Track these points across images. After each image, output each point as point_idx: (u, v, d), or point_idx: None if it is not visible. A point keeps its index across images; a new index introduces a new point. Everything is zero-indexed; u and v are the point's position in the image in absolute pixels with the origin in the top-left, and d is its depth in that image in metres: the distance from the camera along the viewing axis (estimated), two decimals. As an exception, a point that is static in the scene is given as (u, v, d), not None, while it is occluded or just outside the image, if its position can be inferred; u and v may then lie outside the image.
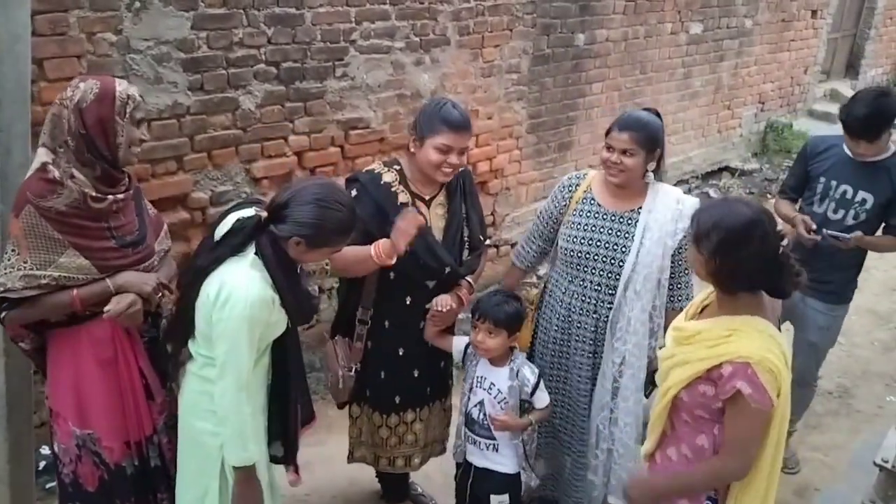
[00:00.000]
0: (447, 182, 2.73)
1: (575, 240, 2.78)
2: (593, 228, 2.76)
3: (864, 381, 4.49)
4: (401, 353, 2.79)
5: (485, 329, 2.58)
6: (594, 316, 2.79)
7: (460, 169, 2.71)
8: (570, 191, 2.87)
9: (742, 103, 7.40)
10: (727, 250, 1.91)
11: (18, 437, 2.75)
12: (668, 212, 2.70)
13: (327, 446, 3.60)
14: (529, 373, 2.64)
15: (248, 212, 2.20)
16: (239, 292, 2.05)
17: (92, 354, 2.30)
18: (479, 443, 2.71)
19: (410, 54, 4.26)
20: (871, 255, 3.45)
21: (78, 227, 2.20)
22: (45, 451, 3.27)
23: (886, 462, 2.53)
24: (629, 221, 2.73)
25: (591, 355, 2.82)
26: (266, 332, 2.16)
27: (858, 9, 9.13)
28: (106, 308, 2.22)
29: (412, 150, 2.67)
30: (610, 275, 2.73)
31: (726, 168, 7.47)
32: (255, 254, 2.11)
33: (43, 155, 2.19)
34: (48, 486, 3.18)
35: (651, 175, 2.75)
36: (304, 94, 3.84)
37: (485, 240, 2.93)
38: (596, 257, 2.75)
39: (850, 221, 3.27)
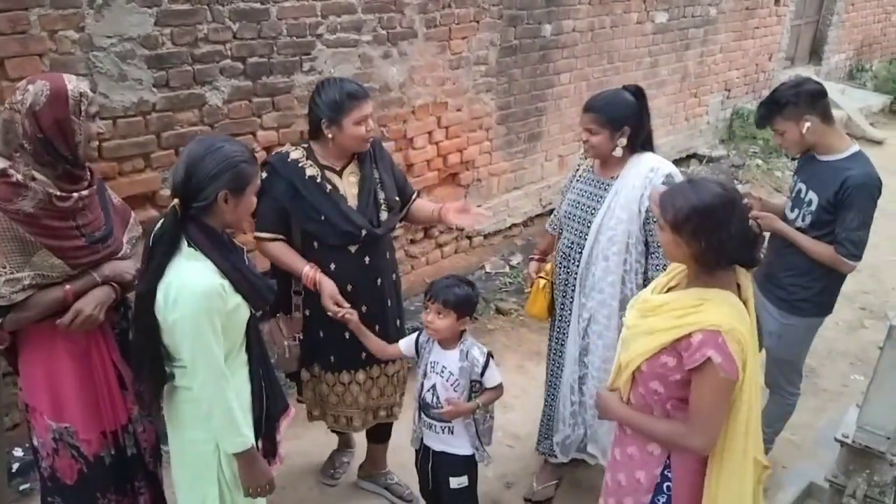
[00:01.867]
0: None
1: (567, 202, 3.08)
2: (580, 192, 3.04)
3: (830, 361, 4.60)
4: (331, 316, 2.82)
5: (434, 309, 2.63)
6: (566, 270, 3.07)
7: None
8: (579, 160, 3.14)
9: (708, 91, 7.50)
10: (711, 231, 1.94)
11: (-10, 439, 2.74)
12: (637, 178, 2.86)
13: (304, 440, 3.63)
14: (478, 353, 2.69)
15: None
16: (186, 288, 2.03)
17: (65, 349, 2.31)
18: (434, 426, 2.76)
19: (378, 47, 4.27)
20: None
21: (47, 228, 2.20)
22: (18, 453, 3.26)
23: (846, 437, 2.61)
24: (606, 187, 2.95)
25: (570, 311, 3.07)
26: (230, 320, 2.13)
27: (821, -4, 9.29)
28: (65, 320, 2.23)
29: (329, 135, 2.79)
30: (580, 234, 2.99)
31: (694, 155, 7.58)
32: (189, 246, 2.08)
33: None
34: (21, 488, 3.18)
35: (619, 150, 2.86)
36: (271, 88, 3.83)
37: (411, 192, 3.12)
38: (573, 217, 3.02)
39: (799, 223, 3.08)
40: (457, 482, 2.80)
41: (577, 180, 3.08)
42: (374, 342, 2.82)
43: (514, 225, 5.70)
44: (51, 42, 3.07)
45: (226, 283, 2.10)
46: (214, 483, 2.24)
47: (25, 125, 2.14)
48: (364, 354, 2.95)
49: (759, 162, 7.51)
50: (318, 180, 2.81)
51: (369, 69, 4.24)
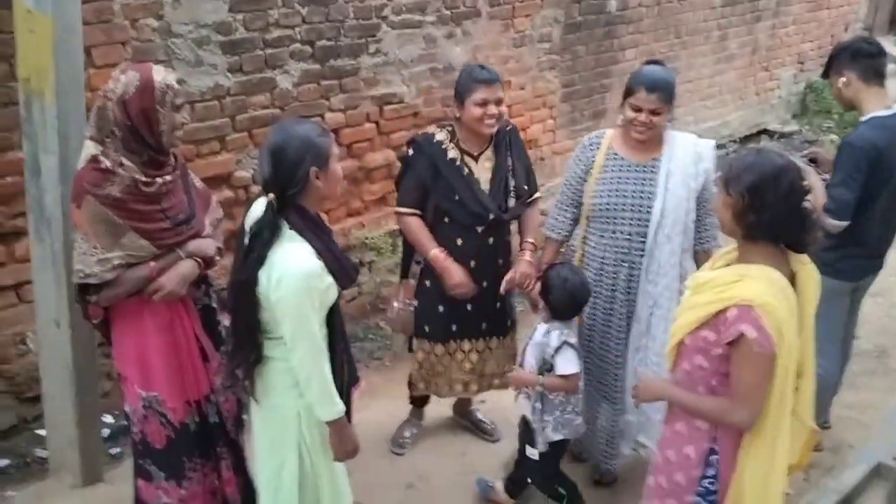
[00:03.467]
0: (494, 138, 3.10)
1: (605, 194, 2.95)
2: (619, 181, 2.94)
3: (903, 341, 4.49)
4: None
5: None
6: (627, 265, 2.96)
7: (503, 120, 3.07)
8: (592, 150, 3.03)
9: (780, 64, 7.29)
10: (756, 191, 1.98)
11: (85, 403, 2.95)
12: (687, 156, 2.87)
13: (371, 410, 3.76)
14: (556, 337, 2.77)
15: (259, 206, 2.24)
16: (289, 270, 2.13)
17: (152, 322, 2.49)
18: (524, 391, 2.92)
19: (442, 28, 4.32)
20: None
21: (135, 212, 2.37)
22: (108, 419, 3.47)
23: (917, 417, 2.58)
24: (653, 170, 2.91)
25: (625, 302, 3.00)
26: (323, 300, 2.24)
27: (902, -39, 8.87)
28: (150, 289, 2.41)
29: (458, 115, 3.04)
30: (640, 222, 2.91)
31: (765, 131, 7.39)
32: (291, 229, 2.17)
33: (91, 147, 2.35)
34: (112, 451, 3.39)
35: (668, 124, 2.92)
36: (338, 71, 3.94)
37: (534, 191, 3.24)
38: (625, 207, 2.92)
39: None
40: (530, 452, 2.93)
41: (606, 170, 2.96)
42: (551, 380, 2.84)
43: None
44: (132, 30, 3.24)
45: (322, 263, 2.20)
46: (294, 448, 2.36)
47: (115, 112, 2.31)
48: (484, 325, 3.22)
49: (834, 137, 7.26)
50: (458, 163, 3.06)
51: (433, 49, 4.31)
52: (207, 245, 2.56)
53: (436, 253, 3.06)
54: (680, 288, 2.87)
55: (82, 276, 2.35)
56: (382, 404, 3.80)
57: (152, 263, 2.42)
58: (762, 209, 1.99)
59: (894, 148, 3.03)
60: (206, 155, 3.59)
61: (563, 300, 2.83)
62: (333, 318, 2.35)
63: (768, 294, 1.98)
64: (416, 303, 3.24)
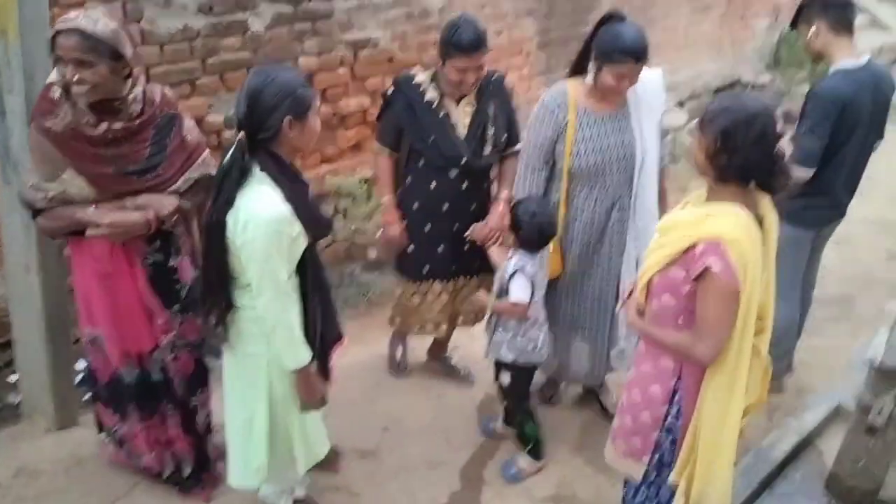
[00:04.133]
0: (479, 83, 3.08)
1: (589, 153, 2.93)
2: (599, 137, 2.94)
3: (866, 288, 4.60)
4: (426, 230, 3.22)
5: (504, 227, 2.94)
6: (616, 207, 3.03)
7: (488, 74, 3.08)
8: (561, 111, 2.93)
9: (756, 14, 7.29)
10: (728, 135, 2.01)
11: (58, 348, 2.95)
12: (648, 96, 2.96)
13: (346, 357, 3.78)
14: (512, 265, 2.87)
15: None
16: (256, 214, 2.10)
17: (91, 267, 2.48)
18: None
19: (417, -29, 4.25)
20: (879, 163, 3.34)
21: (74, 150, 2.33)
22: (82, 364, 3.47)
23: (875, 358, 2.66)
24: (625, 117, 2.97)
25: (617, 245, 3.08)
26: (291, 248, 2.21)
27: (879, -89, 8.84)
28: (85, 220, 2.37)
29: (440, 64, 3.02)
30: (626, 170, 2.99)
31: (738, 82, 7.41)
32: (261, 170, 2.15)
33: (53, 74, 2.29)
34: (84, 398, 3.39)
35: None
36: (312, 14, 3.86)
37: (514, 142, 3.21)
38: (611, 161, 2.96)
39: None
40: (500, 377, 3.06)
41: (583, 128, 2.92)
42: (501, 304, 2.93)
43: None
44: (98, -33, 3.13)
45: (290, 208, 2.16)
46: (265, 397, 2.36)
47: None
48: (454, 267, 3.29)
49: (807, 89, 7.33)
50: (434, 105, 3.07)
51: (408, -7, 4.24)
52: (164, 202, 2.44)
53: (387, 201, 3.19)
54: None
55: (20, 198, 2.38)
56: (358, 350, 3.82)
57: (92, 207, 2.35)
58: (734, 152, 2.02)
59: (860, 99, 3.06)
60: (177, 99, 3.52)
61: (531, 234, 2.84)
62: (306, 270, 2.33)
63: (735, 230, 2.02)
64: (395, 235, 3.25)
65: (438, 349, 3.73)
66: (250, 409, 2.39)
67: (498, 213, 3.15)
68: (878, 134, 3.30)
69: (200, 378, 2.79)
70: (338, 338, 2.57)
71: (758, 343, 2.20)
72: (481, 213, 3.21)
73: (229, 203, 2.12)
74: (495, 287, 2.97)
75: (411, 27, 4.31)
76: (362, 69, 4.18)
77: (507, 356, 2.98)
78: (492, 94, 3.13)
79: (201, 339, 2.69)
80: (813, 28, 3.15)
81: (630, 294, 2.40)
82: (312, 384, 2.36)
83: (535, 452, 3.15)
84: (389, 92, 3.14)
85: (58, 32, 2.19)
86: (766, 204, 2.16)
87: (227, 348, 2.40)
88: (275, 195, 2.14)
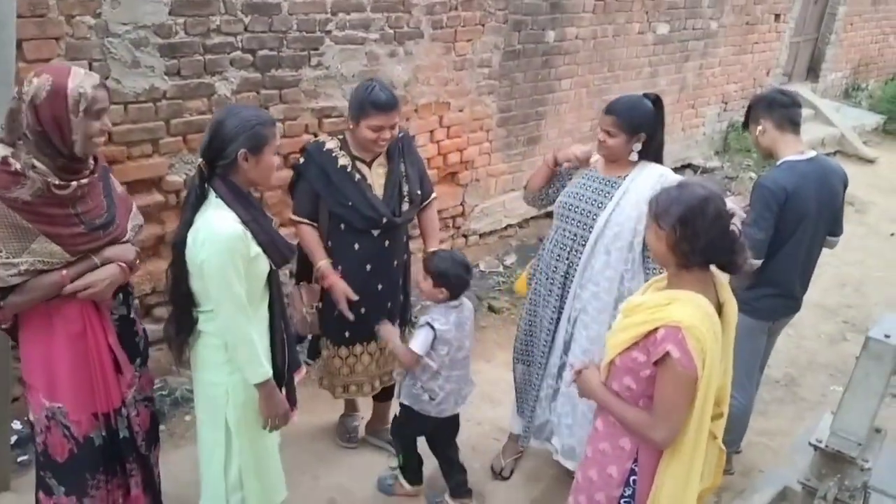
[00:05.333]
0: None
1: (567, 194, 3.16)
2: (584, 187, 3.13)
3: (810, 372, 4.71)
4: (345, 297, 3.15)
5: (423, 273, 3.05)
6: (566, 262, 3.13)
7: (398, 135, 3.15)
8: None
9: (706, 103, 7.61)
10: (686, 221, 2.08)
11: (-6, 408, 2.82)
12: (648, 181, 3.00)
13: (295, 425, 3.71)
14: (424, 318, 3.05)
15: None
16: (211, 232, 2.26)
17: (62, 330, 2.36)
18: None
19: (385, 46, 4.36)
20: (824, 250, 3.41)
21: (46, 216, 2.23)
22: (17, 425, 3.34)
23: (820, 442, 2.70)
24: (613, 185, 3.06)
25: (558, 297, 3.16)
26: (250, 269, 2.33)
27: (820, 14, 9.40)
28: (79, 285, 2.31)
29: (351, 128, 3.10)
30: (586, 226, 3.07)
31: (689, 165, 7.69)
32: (216, 197, 2.33)
33: (1, 149, 2.20)
34: (20, 459, 3.26)
35: (635, 154, 3.03)
36: (279, 81, 3.92)
37: (428, 195, 3.34)
38: (577, 210, 3.10)
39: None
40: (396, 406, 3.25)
41: (581, 176, 3.16)
42: (398, 347, 3.11)
43: (510, 226, 5.79)
44: (68, 26, 3.16)
45: (248, 232, 2.31)
46: (222, 428, 2.46)
47: (28, 116, 2.17)
48: (377, 327, 3.26)
49: (752, 174, 7.62)
50: (349, 170, 3.09)
51: (375, 66, 4.33)
52: (127, 250, 2.46)
53: (324, 265, 3.11)
54: (612, 305, 3.01)
55: None
56: (307, 419, 3.75)
57: (64, 271, 2.29)
58: (694, 238, 2.08)
59: (803, 191, 3.14)
60: (138, 157, 3.51)
61: (445, 282, 3.00)
62: (273, 298, 2.48)
63: (695, 317, 2.07)
64: (319, 305, 3.25)
65: (378, 422, 3.70)
66: (213, 437, 2.50)
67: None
68: (834, 229, 3.37)
69: (155, 433, 2.76)
70: (298, 365, 2.72)
71: (714, 429, 2.23)
72: (403, 269, 3.34)
73: (188, 224, 2.32)
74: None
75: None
76: (326, 137, 4.23)
77: (404, 400, 3.16)
78: (402, 152, 3.21)
79: (153, 394, 2.73)
80: (760, 126, 3.28)
81: (579, 373, 2.41)
82: (275, 399, 2.46)
83: (410, 480, 3.36)
84: (301, 162, 3.14)
85: (96, 86, 2.23)
86: (726, 291, 2.22)
87: (193, 374, 2.52)
88: (230, 216, 2.30)
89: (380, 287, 3.22)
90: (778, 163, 3.25)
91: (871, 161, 8.81)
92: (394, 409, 3.39)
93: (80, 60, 3.19)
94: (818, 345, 5.01)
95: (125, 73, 3.35)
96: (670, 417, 2.10)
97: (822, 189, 3.20)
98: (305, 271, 3.27)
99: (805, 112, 8.72)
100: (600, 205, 3.04)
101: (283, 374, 2.53)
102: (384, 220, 3.11)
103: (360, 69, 4.24)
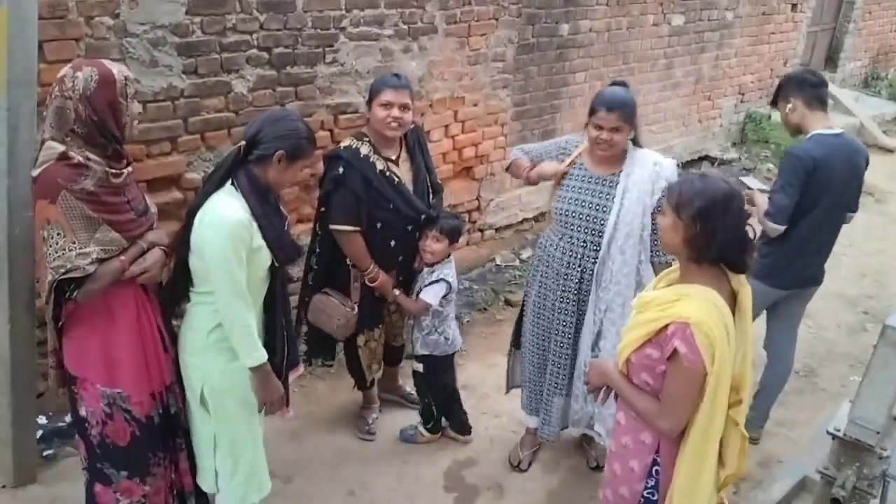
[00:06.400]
0: (403, 140, 3.32)
1: (565, 200, 3.14)
2: (580, 190, 3.12)
3: (830, 362, 4.69)
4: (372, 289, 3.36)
5: (432, 237, 3.30)
6: (579, 269, 3.14)
7: (408, 124, 3.25)
8: (570, 151, 3.23)
9: (722, 94, 7.57)
10: (708, 216, 2.07)
11: (21, 402, 2.89)
12: (645, 173, 3.03)
13: (315, 418, 3.76)
14: (436, 274, 3.34)
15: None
16: (217, 215, 2.34)
17: (122, 315, 2.48)
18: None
19: (399, 42, 4.38)
20: (843, 240, 3.57)
21: (106, 204, 2.38)
22: (42, 420, 3.40)
23: (838, 431, 2.69)
24: (611, 184, 3.07)
25: (574, 303, 3.18)
26: (252, 259, 2.38)
27: (838, 3, 9.31)
28: (136, 270, 2.44)
29: (368, 118, 3.26)
30: (594, 232, 3.08)
31: (706, 157, 7.65)
32: (231, 184, 2.40)
33: (55, 146, 2.32)
34: (45, 453, 3.31)
35: (630, 143, 3.08)
36: (294, 78, 3.95)
37: (441, 188, 3.55)
38: (581, 216, 3.10)
39: None
40: (414, 365, 3.55)
41: (570, 178, 3.15)
42: (407, 301, 3.43)
43: (526, 220, 5.80)
44: (87, 27, 3.19)
45: (254, 224, 2.37)
46: (197, 407, 2.56)
47: (79, 109, 2.30)
48: (393, 307, 3.52)
49: (770, 166, 7.58)
50: (387, 173, 3.21)
51: (390, 62, 4.35)
52: (161, 235, 2.59)
53: (374, 269, 3.28)
54: (633, 297, 3.00)
55: (63, 272, 2.30)
56: (326, 412, 3.81)
57: (122, 257, 2.42)
58: (713, 233, 2.08)
59: (831, 161, 3.27)
60: (157, 155, 3.56)
61: (461, 230, 3.44)
62: (275, 295, 2.53)
63: (703, 312, 2.07)
64: (356, 306, 3.37)
65: (390, 381, 3.91)
66: (198, 415, 2.60)
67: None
68: (851, 205, 3.50)
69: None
70: (295, 363, 2.78)
71: (735, 415, 2.23)
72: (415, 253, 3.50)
73: (207, 195, 2.39)
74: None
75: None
76: (342, 133, 4.24)
77: (422, 351, 3.44)
78: (419, 146, 3.38)
79: None
80: (790, 104, 3.41)
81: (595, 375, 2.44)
82: (271, 383, 2.51)
83: (431, 429, 3.65)
84: (340, 172, 3.17)
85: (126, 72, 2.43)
86: (739, 278, 2.21)
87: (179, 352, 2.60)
88: (238, 204, 2.37)
89: (402, 276, 3.46)
90: (808, 136, 3.36)
91: (890, 150, 8.73)
92: (404, 372, 3.77)
93: (95, 59, 3.23)
94: (837, 335, 4.98)
95: (143, 72, 3.39)
96: (676, 409, 2.13)
97: (847, 163, 3.34)
98: (329, 278, 3.37)
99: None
100: (604, 208, 3.05)
101: (280, 371, 2.57)
102: (423, 216, 3.28)
103: (374, 65, 4.27)
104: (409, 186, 3.27)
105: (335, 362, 3.80)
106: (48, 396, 3.30)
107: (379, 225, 3.24)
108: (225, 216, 2.33)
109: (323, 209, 3.32)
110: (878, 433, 2.62)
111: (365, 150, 3.20)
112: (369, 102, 3.20)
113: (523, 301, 3.51)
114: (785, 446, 3.82)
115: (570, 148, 3.25)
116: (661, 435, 2.21)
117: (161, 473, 2.64)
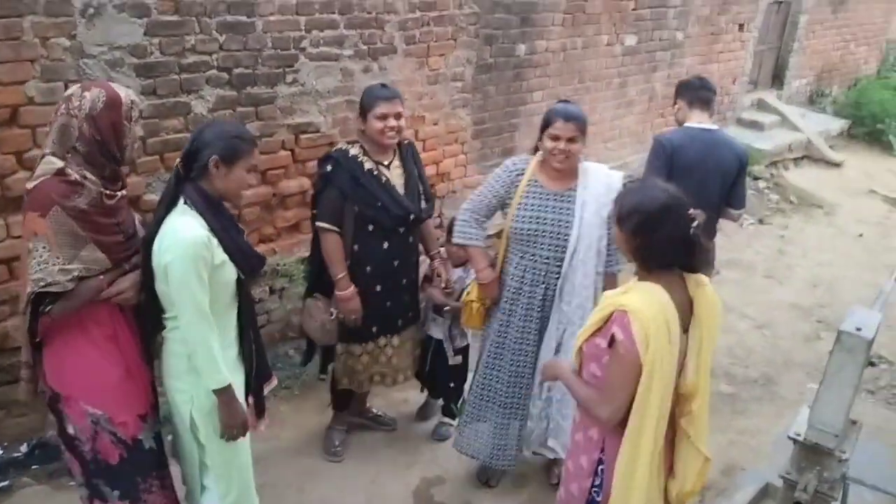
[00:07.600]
0: (397, 149, 3.39)
1: (525, 220, 3.15)
2: (540, 208, 3.14)
3: (787, 371, 4.79)
4: (378, 290, 3.39)
5: (447, 246, 3.58)
6: (543, 286, 3.16)
7: (403, 134, 3.36)
8: (517, 175, 3.21)
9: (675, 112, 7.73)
10: (645, 230, 2.15)
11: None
12: (600, 186, 3.12)
13: (280, 440, 3.72)
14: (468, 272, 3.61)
15: None
16: (176, 236, 2.32)
17: (98, 333, 2.45)
18: (437, 319, 3.70)
19: (359, 62, 4.40)
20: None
21: (97, 224, 2.38)
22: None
23: (799, 435, 2.76)
24: (569, 199, 3.12)
25: (538, 321, 3.20)
26: (216, 276, 2.38)
27: (783, 23, 9.61)
28: (113, 291, 2.42)
29: (362, 129, 3.31)
30: (557, 248, 3.12)
31: (661, 173, 7.80)
32: (185, 203, 2.39)
33: (55, 161, 2.32)
34: (0, 485, 3.22)
35: (581, 157, 3.17)
36: (255, 99, 3.95)
37: (432, 200, 3.59)
38: (544, 234, 3.13)
39: None
40: (452, 360, 3.73)
41: (527, 196, 3.15)
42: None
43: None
44: (42, 48, 3.16)
45: (214, 239, 2.36)
46: (187, 431, 2.53)
47: (83, 128, 2.31)
48: (400, 321, 3.51)
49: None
50: (375, 172, 3.27)
51: (350, 83, 4.37)
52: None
53: (344, 276, 3.27)
54: (592, 308, 3.04)
55: (44, 285, 2.28)
56: (291, 434, 3.76)
57: (102, 276, 2.40)
58: (650, 246, 2.17)
59: (688, 149, 3.75)
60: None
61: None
62: (241, 307, 2.54)
63: (643, 303, 2.13)
64: (339, 313, 3.36)
65: (360, 403, 3.86)
66: (187, 440, 2.57)
67: (439, 268, 3.60)
68: (732, 202, 3.91)
69: None
70: (268, 376, 2.77)
71: (686, 426, 2.26)
72: (417, 266, 3.55)
73: (158, 222, 2.39)
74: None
75: (352, 113, 4.42)
76: (303, 152, 4.25)
77: (464, 341, 3.70)
78: (413, 157, 3.46)
79: None
80: (678, 105, 4.04)
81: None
82: (234, 408, 2.48)
83: (453, 416, 3.81)
84: (328, 169, 3.25)
85: (132, 96, 2.43)
86: (698, 287, 2.25)
87: (163, 380, 2.57)
88: (195, 222, 2.36)
89: (404, 281, 3.46)
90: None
91: (837, 164, 8.99)
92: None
93: (55, 82, 3.19)
94: (793, 344, 5.10)
95: (101, 93, 3.35)
96: (614, 397, 2.17)
97: (707, 152, 3.77)
98: (320, 282, 3.39)
99: (771, 118, 8.96)
100: (566, 224, 3.11)
101: (249, 381, 2.60)
102: (412, 216, 3.32)
103: (335, 85, 4.28)
104: (401, 190, 3.33)
105: (299, 384, 3.77)
106: (2, 426, 3.21)
107: (371, 227, 3.29)
108: (183, 237, 2.32)
109: (314, 210, 3.38)
110: (836, 436, 2.69)
111: (354, 151, 3.28)
112: (363, 115, 3.28)
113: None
114: (746, 454, 3.89)
115: (518, 169, 3.22)
116: (605, 430, 2.24)
117: (155, 501, 2.60)
